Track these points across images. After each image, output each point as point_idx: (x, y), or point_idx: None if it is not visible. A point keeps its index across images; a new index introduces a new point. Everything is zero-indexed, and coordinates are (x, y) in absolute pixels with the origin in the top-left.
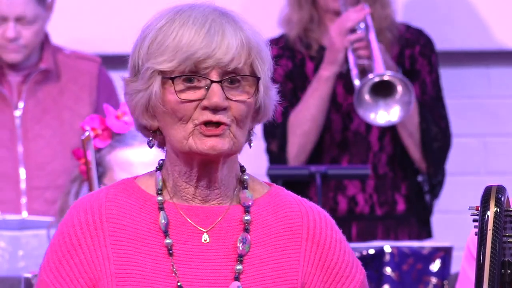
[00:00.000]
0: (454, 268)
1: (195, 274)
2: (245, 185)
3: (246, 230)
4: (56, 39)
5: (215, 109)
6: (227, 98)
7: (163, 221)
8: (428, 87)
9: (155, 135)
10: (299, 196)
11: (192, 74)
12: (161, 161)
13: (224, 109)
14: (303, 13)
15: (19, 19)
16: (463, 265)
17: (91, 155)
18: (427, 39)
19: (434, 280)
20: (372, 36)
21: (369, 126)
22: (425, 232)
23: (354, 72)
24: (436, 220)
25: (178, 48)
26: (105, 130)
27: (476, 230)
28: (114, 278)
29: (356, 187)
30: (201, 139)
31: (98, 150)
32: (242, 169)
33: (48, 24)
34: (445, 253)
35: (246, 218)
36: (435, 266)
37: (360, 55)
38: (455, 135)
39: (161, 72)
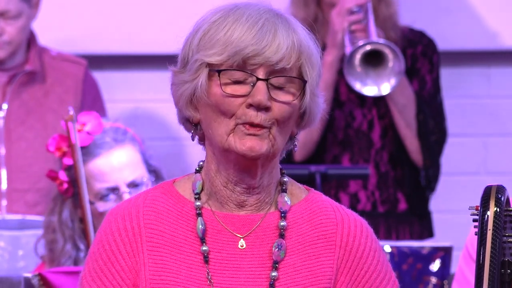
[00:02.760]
0: (454, 268)
1: (230, 282)
2: (284, 188)
3: (282, 236)
4: (40, 38)
5: (258, 107)
6: (271, 98)
7: (200, 227)
8: (428, 85)
9: (196, 129)
10: (336, 203)
11: (239, 69)
12: (201, 163)
13: (267, 108)
14: (308, 12)
15: (2, 14)
16: (460, 264)
17: (74, 137)
18: (429, 40)
19: (434, 280)
20: (371, 20)
21: (371, 124)
22: (427, 231)
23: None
24: (436, 220)
25: (228, 42)
26: (70, 147)
27: (476, 230)
28: (149, 284)
29: (358, 185)
30: (241, 138)
31: (68, 167)
32: (282, 171)
33: (34, 23)
34: (445, 253)
35: (282, 224)
36: (435, 266)
37: (356, 37)
38: (455, 135)
39: (209, 65)
